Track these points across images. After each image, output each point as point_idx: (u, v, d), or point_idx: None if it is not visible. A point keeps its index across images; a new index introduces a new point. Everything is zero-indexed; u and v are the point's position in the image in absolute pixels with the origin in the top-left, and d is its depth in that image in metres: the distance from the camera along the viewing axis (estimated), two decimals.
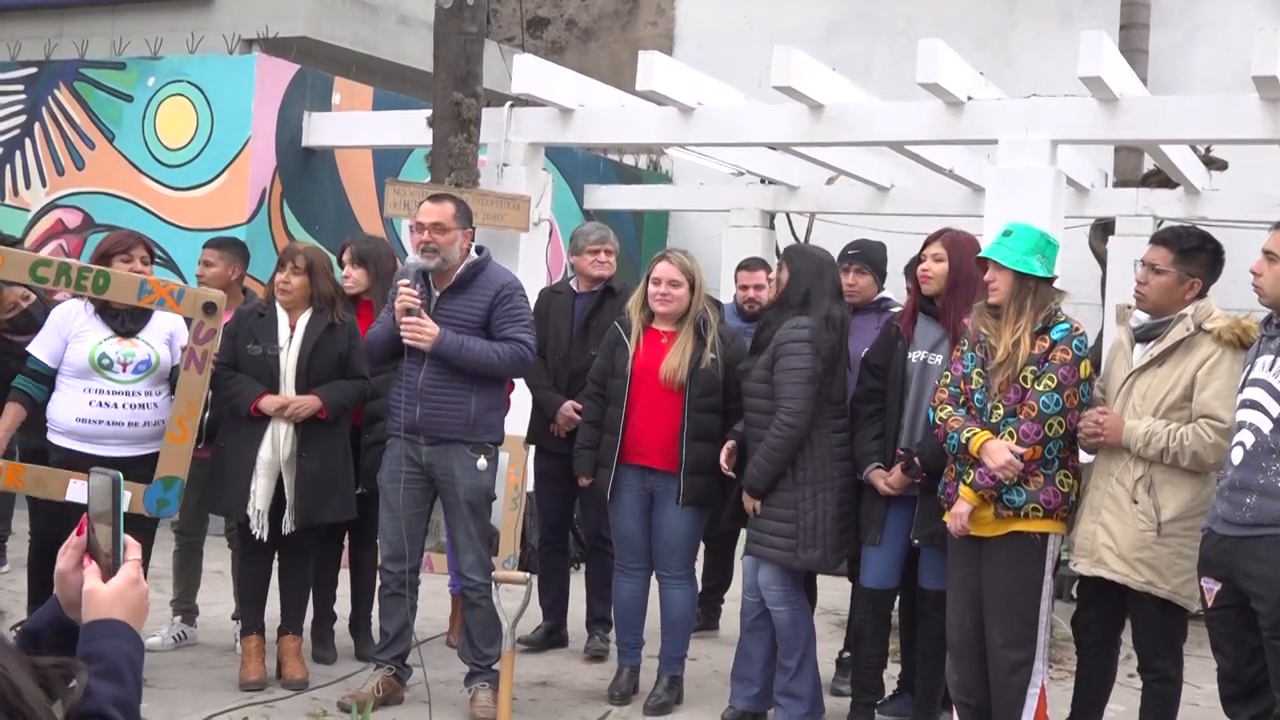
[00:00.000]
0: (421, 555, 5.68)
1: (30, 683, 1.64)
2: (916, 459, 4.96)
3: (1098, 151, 10.82)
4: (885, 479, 5.06)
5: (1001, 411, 4.59)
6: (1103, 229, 11.09)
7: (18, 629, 2.13)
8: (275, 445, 5.53)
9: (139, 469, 5.41)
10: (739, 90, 8.95)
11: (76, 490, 5.13)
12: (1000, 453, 4.51)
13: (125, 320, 5.44)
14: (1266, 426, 4.08)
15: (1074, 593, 5.06)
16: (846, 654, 6.03)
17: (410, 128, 9.12)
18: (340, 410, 5.67)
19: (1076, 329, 4.64)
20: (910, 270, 5.54)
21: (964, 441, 4.60)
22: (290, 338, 5.62)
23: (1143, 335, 4.65)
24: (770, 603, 5.24)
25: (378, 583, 5.70)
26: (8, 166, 10.07)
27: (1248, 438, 4.12)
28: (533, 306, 5.93)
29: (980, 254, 4.73)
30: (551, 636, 6.62)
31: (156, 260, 5.77)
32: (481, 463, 5.34)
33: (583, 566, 6.92)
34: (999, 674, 4.65)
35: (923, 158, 9.44)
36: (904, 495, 5.08)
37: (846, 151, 10.36)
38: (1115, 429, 4.52)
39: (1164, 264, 4.58)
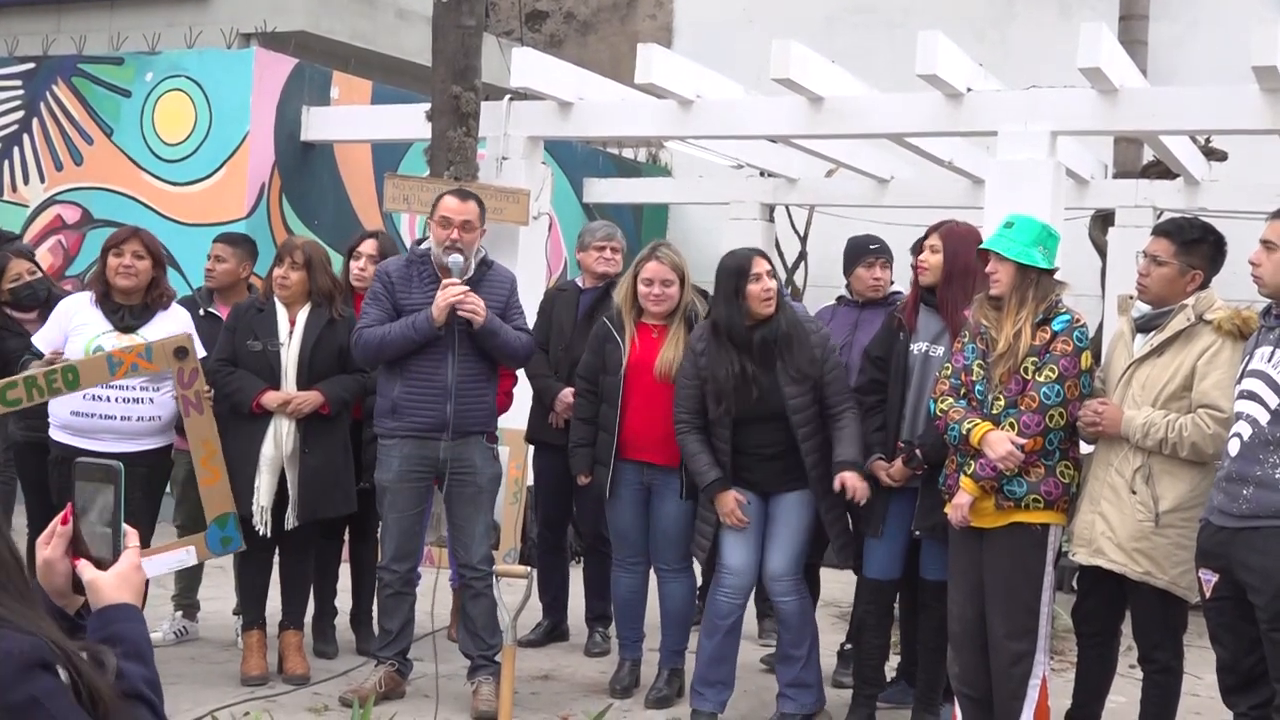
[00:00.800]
0: (422, 552, 5.70)
1: (92, 669, 1.70)
2: (918, 451, 4.96)
3: (1097, 143, 10.81)
4: (886, 470, 5.05)
5: (1003, 403, 4.58)
6: (1102, 220, 11.07)
7: None
8: (278, 441, 5.53)
9: (133, 465, 5.38)
10: (738, 83, 8.94)
11: (152, 566, 5.14)
12: (1001, 443, 4.51)
13: (126, 315, 5.43)
14: (1264, 418, 4.08)
15: (1074, 584, 5.06)
16: (848, 646, 6.03)
17: (409, 122, 9.11)
18: (342, 405, 5.67)
19: (1077, 320, 4.64)
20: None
21: (965, 433, 4.59)
22: (290, 333, 5.62)
23: (1144, 325, 4.65)
24: (779, 594, 5.23)
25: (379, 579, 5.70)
26: (6, 162, 10.06)
27: (1245, 429, 4.12)
28: (538, 304, 5.98)
29: (981, 245, 4.72)
30: (552, 633, 6.62)
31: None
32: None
33: (582, 561, 6.92)
34: (1000, 665, 4.65)
35: (922, 149, 9.43)
36: (905, 487, 5.07)
37: (846, 144, 10.34)
38: (1114, 419, 4.52)
39: (1166, 255, 4.58)
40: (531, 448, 6.73)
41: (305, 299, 5.66)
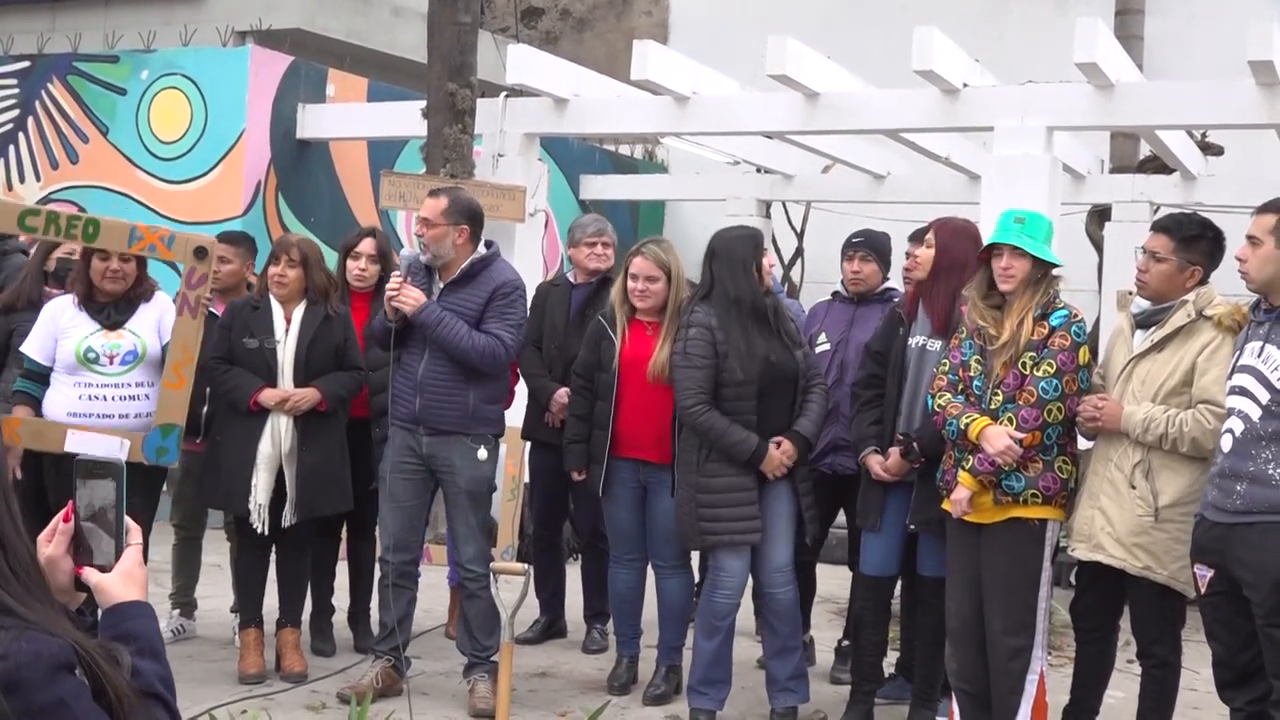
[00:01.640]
0: (421, 547, 5.68)
1: (113, 668, 1.70)
2: (915, 444, 4.95)
3: (1094, 138, 10.81)
4: (881, 464, 5.05)
5: (1001, 398, 4.58)
6: (1099, 215, 11.08)
7: None
8: (275, 439, 5.52)
9: (130, 463, 5.39)
10: (734, 79, 8.94)
11: (75, 441, 5.16)
12: (999, 438, 4.50)
13: (111, 313, 5.41)
14: (1255, 414, 4.08)
15: (1073, 579, 5.06)
16: (846, 643, 6.02)
17: (405, 119, 9.11)
18: (338, 402, 5.67)
19: (1075, 315, 4.63)
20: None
21: (963, 428, 4.59)
22: (287, 330, 5.61)
23: (1143, 321, 4.64)
24: (779, 585, 5.23)
25: (376, 574, 5.69)
26: (2, 161, 10.05)
27: (1237, 425, 4.12)
28: (530, 298, 5.92)
29: (996, 240, 4.66)
30: (550, 630, 6.62)
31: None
32: (481, 453, 5.35)
33: (579, 559, 6.91)
34: (998, 661, 4.65)
35: (919, 145, 9.43)
36: (901, 481, 5.06)
37: (842, 140, 10.35)
38: (1114, 415, 4.52)
39: (1165, 252, 4.58)
40: (528, 445, 6.72)
41: (301, 296, 5.66)
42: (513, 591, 4.62)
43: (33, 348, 5.38)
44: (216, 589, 6.63)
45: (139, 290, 5.48)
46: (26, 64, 10.13)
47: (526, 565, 4.82)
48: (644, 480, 5.55)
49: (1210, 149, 10.55)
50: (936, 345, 5.03)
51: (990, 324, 4.63)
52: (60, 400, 5.34)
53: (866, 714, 5.31)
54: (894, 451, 5.01)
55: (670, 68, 8.32)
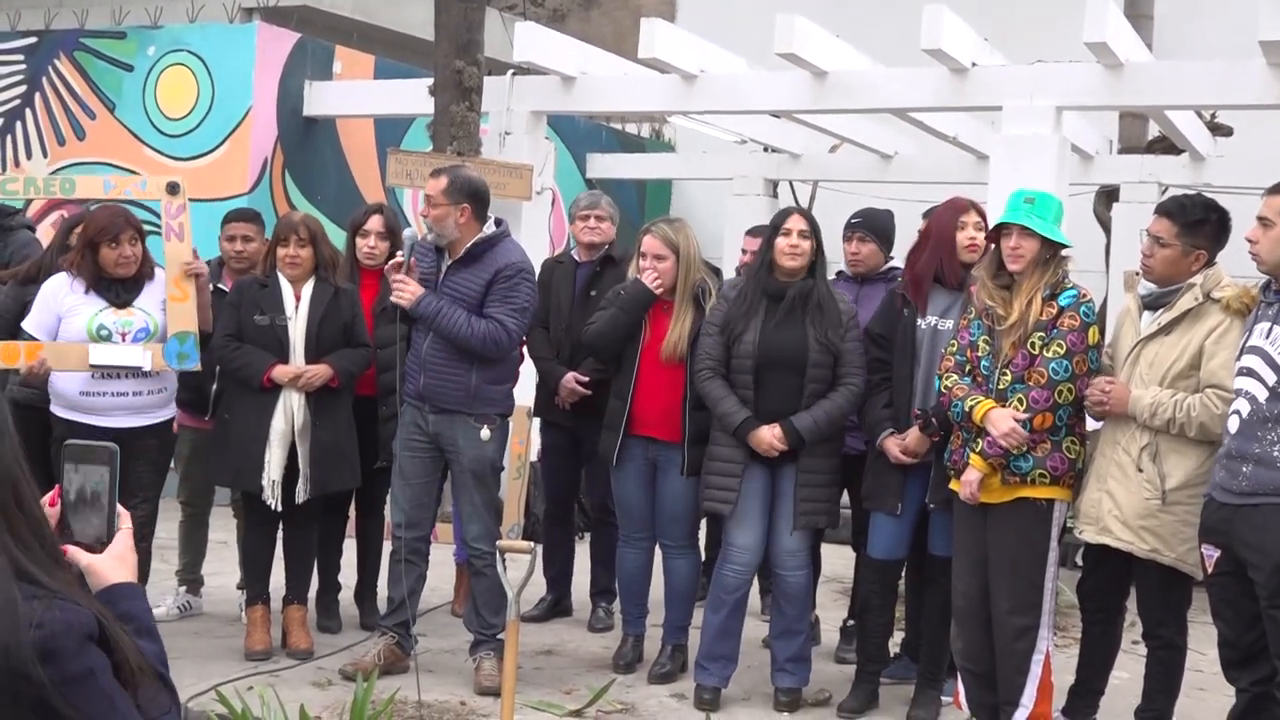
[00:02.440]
0: (433, 524, 5.69)
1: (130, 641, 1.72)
2: (934, 419, 4.93)
3: (1102, 118, 10.77)
4: (900, 444, 5.04)
5: (1009, 378, 4.57)
6: (1107, 196, 11.04)
7: None
8: (288, 415, 5.52)
9: (143, 438, 5.41)
10: (742, 57, 8.90)
11: (99, 354, 5.30)
12: (1004, 420, 4.50)
13: (120, 291, 5.42)
14: (1262, 395, 4.07)
15: (1079, 560, 5.06)
16: (851, 622, 6.03)
17: (412, 96, 9.08)
18: (350, 378, 5.68)
19: (1084, 295, 4.63)
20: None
21: (967, 410, 4.59)
22: (296, 307, 5.61)
23: (1151, 303, 4.63)
24: (791, 568, 5.25)
25: (385, 550, 5.70)
26: (8, 137, 10.04)
27: (1244, 406, 4.12)
28: (537, 276, 5.90)
29: (1005, 220, 4.66)
30: (555, 608, 6.63)
31: (149, 229, 5.71)
32: (485, 433, 5.35)
33: (588, 538, 6.92)
34: (1004, 640, 4.66)
35: (926, 125, 9.40)
36: (915, 465, 5.05)
37: (850, 119, 10.32)
38: (1121, 398, 4.51)
39: (1168, 237, 4.56)
40: (536, 421, 6.72)
41: (310, 273, 5.66)
42: (519, 570, 4.63)
43: (33, 324, 5.38)
44: (223, 565, 6.65)
45: (142, 269, 5.48)
46: (34, 40, 10.11)
47: (533, 544, 4.83)
48: (654, 458, 5.55)
49: (1219, 129, 10.51)
50: (948, 325, 5.03)
51: (999, 304, 4.62)
52: (72, 378, 5.34)
53: (871, 694, 5.32)
54: (913, 430, 5.00)
55: (677, 46, 8.29)
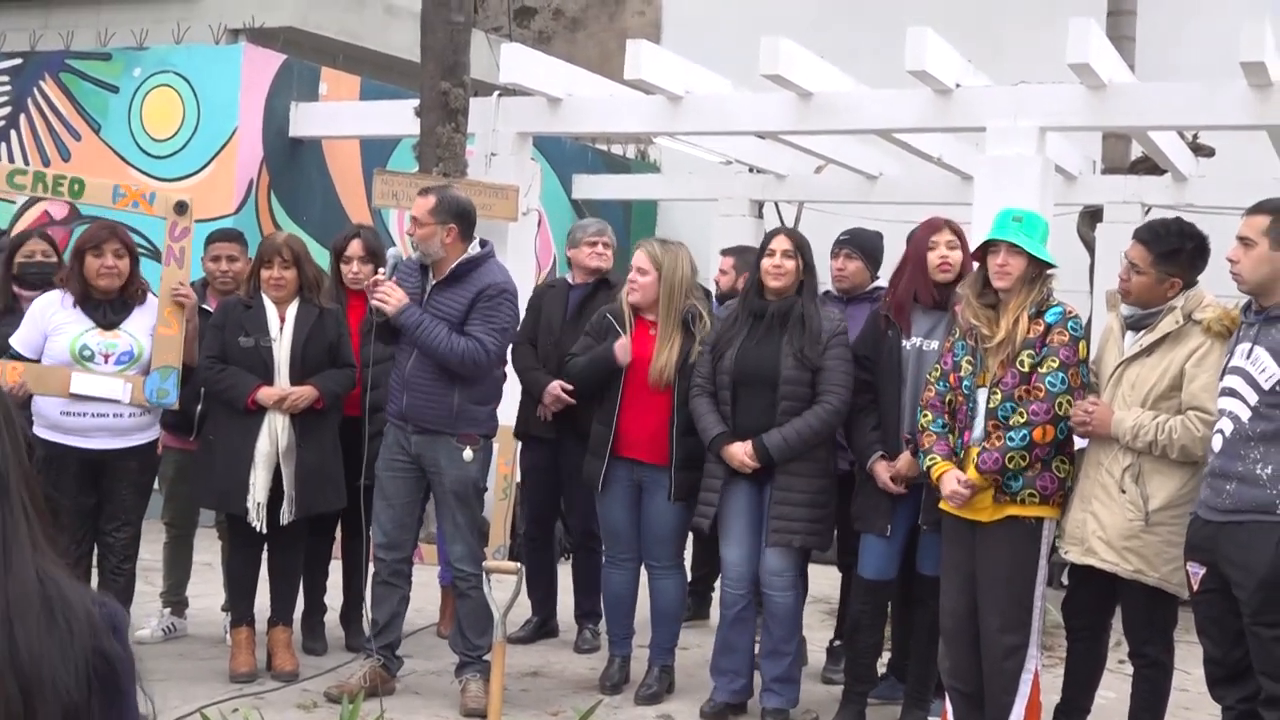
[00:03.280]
0: (414, 545, 5.68)
1: None
2: None
3: (1086, 139, 10.83)
4: (891, 470, 5.04)
5: (999, 396, 4.59)
6: (1091, 216, 11.10)
7: None
8: (272, 437, 5.51)
9: (124, 460, 5.40)
10: (727, 79, 8.94)
11: (80, 383, 5.27)
12: (948, 483, 4.64)
13: (107, 312, 5.41)
14: (1244, 414, 4.10)
15: (1064, 579, 5.06)
16: (838, 643, 6.03)
17: (398, 118, 9.10)
18: (335, 399, 5.67)
19: (1070, 312, 4.65)
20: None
21: (926, 467, 4.76)
22: (281, 329, 5.60)
23: (1134, 324, 4.64)
24: (777, 589, 5.25)
25: (369, 572, 5.69)
26: None
27: (1227, 425, 4.14)
28: (526, 300, 5.92)
29: (994, 237, 4.68)
30: (541, 629, 6.61)
31: (142, 252, 5.73)
32: (467, 454, 5.34)
33: (570, 559, 6.91)
34: (993, 659, 4.66)
35: (911, 146, 9.44)
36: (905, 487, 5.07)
37: (835, 139, 10.36)
38: (1104, 420, 4.52)
39: (1143, 264, 4.58)
40: (519, 444, 6.71)
41: (295, 294, 5.65)
42: (505, 591, 4.62)
43: (19, 340, 5.37)
44: (208, 587, 6.62)
45: (132, 291, 5.47)
46: (19, 61, 10.11)
47: (519, 564, 4.82)
48: (639, 480, 5.55)
49: (1201, 150, 10.57)
50: (933, 345, 5.04)
51: (984, 323, 4.64)
52: (52, 400, 5.32)
53: (859, 714, 5.31)
54: (904, 455, 5.01)
55: (663, 67, 8.32)
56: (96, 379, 5.31)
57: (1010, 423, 4.57)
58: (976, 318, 4.66)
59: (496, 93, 8.84)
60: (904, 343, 5.11)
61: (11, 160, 9.92)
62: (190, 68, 9.47)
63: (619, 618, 5.82)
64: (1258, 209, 4.23)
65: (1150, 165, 10.59)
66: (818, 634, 6.57)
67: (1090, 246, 10.97)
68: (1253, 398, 4.08)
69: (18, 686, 1.50)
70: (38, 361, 5.35)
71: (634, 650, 5.86)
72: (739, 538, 5.27)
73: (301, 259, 5.66)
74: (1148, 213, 10.36)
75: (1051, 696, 4.94)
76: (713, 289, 6.65)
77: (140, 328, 5.45)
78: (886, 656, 5.72)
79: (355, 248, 6.13)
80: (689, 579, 5.96)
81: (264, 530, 5.55)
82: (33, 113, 9.91)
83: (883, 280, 5.97)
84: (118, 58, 9.78)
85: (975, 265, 4.83)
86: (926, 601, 5.11)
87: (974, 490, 4.61)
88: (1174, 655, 4.76)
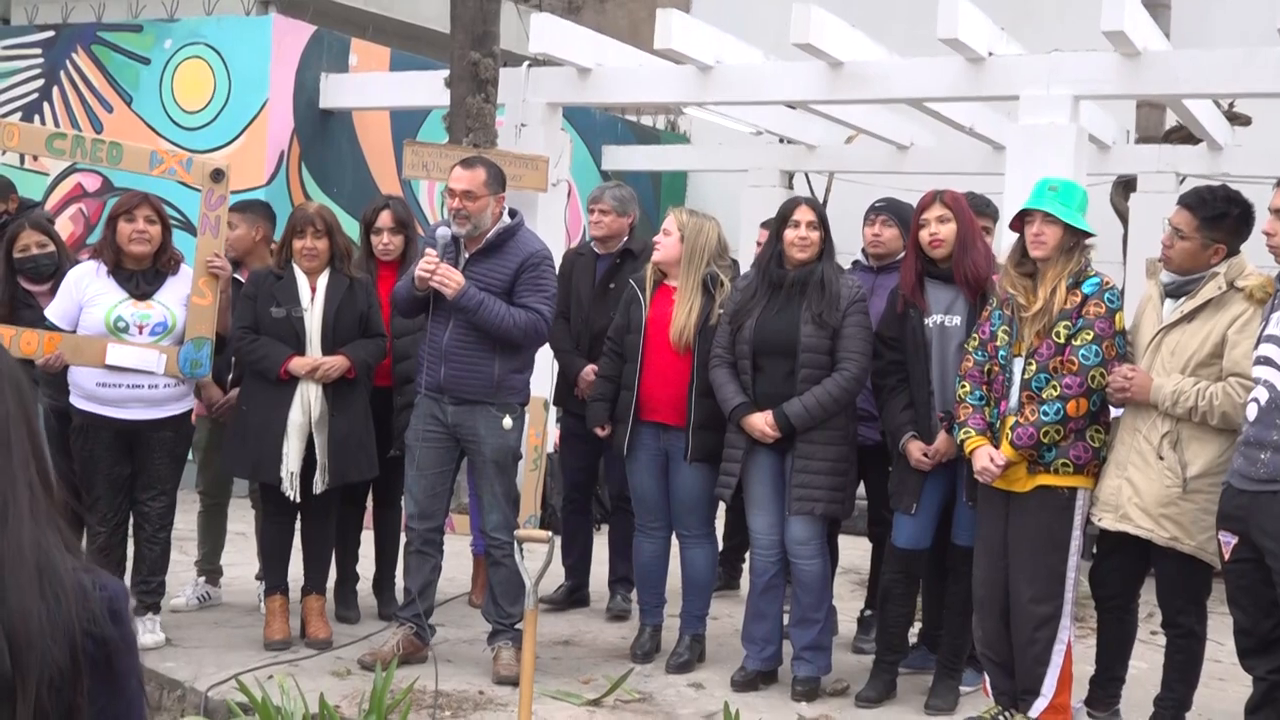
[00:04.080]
0: (446, 515, 5.70)
1: None
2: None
3: (1119, 108, 10.73)
4: (923, 450, 5.03)
5: (1034, 367, 4.57)
6: (1124, 186, 11.01)
7: None
8: (305, 407, 5.53)
9: (159, 431, 5.45)
10: (757, 48, 8.89)
11: (116, 354, 5.32)
12: (980, 458, 4.64)
13: (140, 282, 5.44)
14: (1279, 382, 4.06)
15: (1093, 550, 5.05)
16: (869, 612, 6.03)
17: (428, 88, 9.10)
18: (365, 369, 5.69)
19: (1107, 283, 4.63)
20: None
21: (960, 440, 4.75)
22: (313, 299, 5.62)
23: (1173, 291, 4.62)
24: (804, 557, 5.26)
25: (402, 541, 5.72)
26: None
27: (1262, 394, 4.12)
28: (557, 268, 5.92)
29: (1029, 206, 4.66)
30: (573, 595, 6.64)
31: (174, 223, 5.75)
32: (507, 422, 5.36)
33: (605, 527, 6.93)
34: (1025, 629, 4.65)
35: (943, 115, 9.38)
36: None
37: (866, 109, 10.30)
38: (1143, 386, 4.50)
39: (1188, 229, 4.55)
40: (554, 411, 6.74)
41: (326, 264, 5.67)
42: (536, 560, 4.64)
43: (55, 312, 5.42)
44: (241, 556, 6.67)
45: (165, 260, 5.51)
46: (51, 34, 10.15)
47: (550, 533, 4.84)
48: (665, 446, 5.55)
49: (1237, 119, 10.47)
50: (956, 321, 5.03)
51: (1021, 292, 4.63)
52: (89, 369, 5.36)
53: (889, 684, 5.32)
54: (941, 435, 4.98)
55: (693, 37, 8.29)
56: (132, 350, 5.35)
57: (1044, 395, 4.55)
58: (1014, 287, 4.64)
59: (526, 63, 8.83)
60: (926, 320, 5.09)
61: None
62: (221, 39, 9.49)
63: (650, 587, 5.83)
64: None
65: (1185, 134, 10.49)
66: (848, 604, 6.58)
67: (1124, 217, 10.89)
68: None
69: (4, 636, 1.51)
70: (73, 332, 5.39)
71: (665, 619, 5.88)
72: (764, 505, 5.29)
73: (333, 229, 5.67)
74: (1182, 182, 10.27)
75: (1084, 667, 4.94)
76: (739, 259, 6.62)
77: (174, 298, 5.49)
78: (918, 627, 5.72)
79: (385, 219, 6.13)
80: (720, 549, 5.96)
81: (297, 499, 5.59)
82: (65, 85, 9.95)
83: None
84: (149, 29, 9.81)
85: (1015, 235, 4.80)
86: (961, 571, 5.10)
87: (1006, 466, 4.61)
88: (1207, 625, 4.74)
